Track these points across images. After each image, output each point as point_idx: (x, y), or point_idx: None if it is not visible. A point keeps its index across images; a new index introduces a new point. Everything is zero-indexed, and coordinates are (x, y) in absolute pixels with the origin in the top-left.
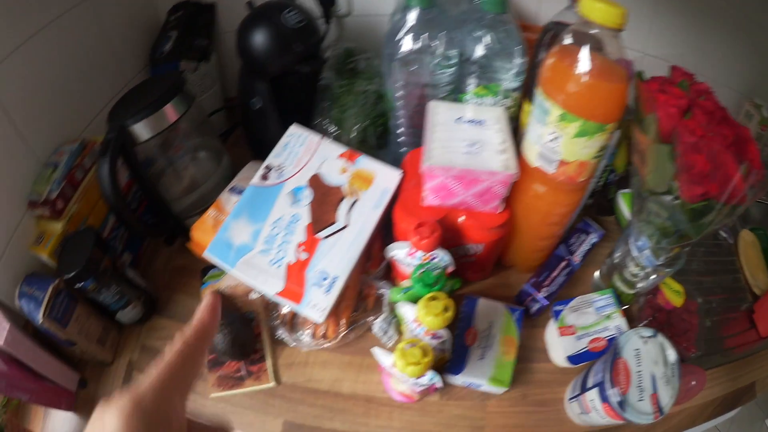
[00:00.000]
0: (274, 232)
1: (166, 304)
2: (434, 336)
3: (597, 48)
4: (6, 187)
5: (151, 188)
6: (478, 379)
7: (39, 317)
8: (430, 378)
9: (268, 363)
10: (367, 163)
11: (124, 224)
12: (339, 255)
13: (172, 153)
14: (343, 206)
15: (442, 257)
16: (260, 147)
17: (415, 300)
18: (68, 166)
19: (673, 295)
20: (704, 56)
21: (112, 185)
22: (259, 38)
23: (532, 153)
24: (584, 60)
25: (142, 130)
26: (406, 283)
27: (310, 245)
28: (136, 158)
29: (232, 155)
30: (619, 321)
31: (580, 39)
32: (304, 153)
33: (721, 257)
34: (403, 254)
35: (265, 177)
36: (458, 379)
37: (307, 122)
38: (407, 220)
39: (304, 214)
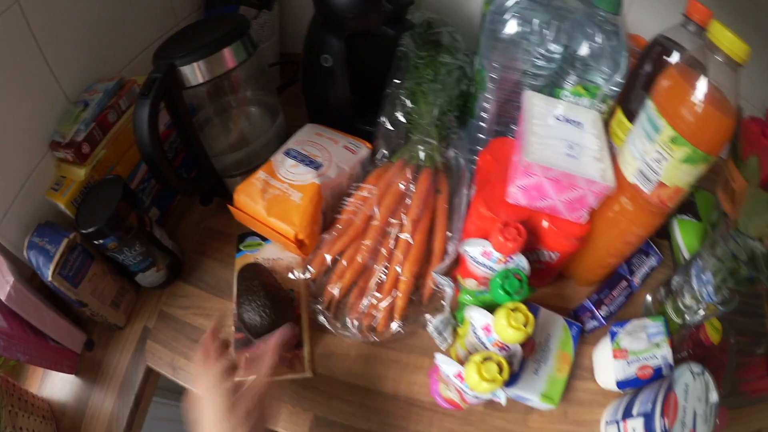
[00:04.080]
0: None
1: (193, 269)
2: (502, 348)
3: (713, 78)
4: (26, 122)
5: (194, 139)
6: (529, 393)
7: (48, 274)
8: (494, 393)
9: (305, 351)
10: None
11: (157, 177)
12: None
13: (222, 103)
14: None
15: (519, 262)
16: (320, 109)
17: (487, 305)
18: (101, 106)
19: (714, 332)
20: None
21: (150, 131)
22: None
23: (631, 168)
24: (704, 87)
25: (193, 72)
26: (471, 284)
27: None
28: (182, 103)
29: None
30: (666, 350)
31: (699, 65)
32: None
33: (752, 299)
34: (478, 252)
35: None
36: (509, 392)
37: (379, 90)
38: (489, 216)
39: None
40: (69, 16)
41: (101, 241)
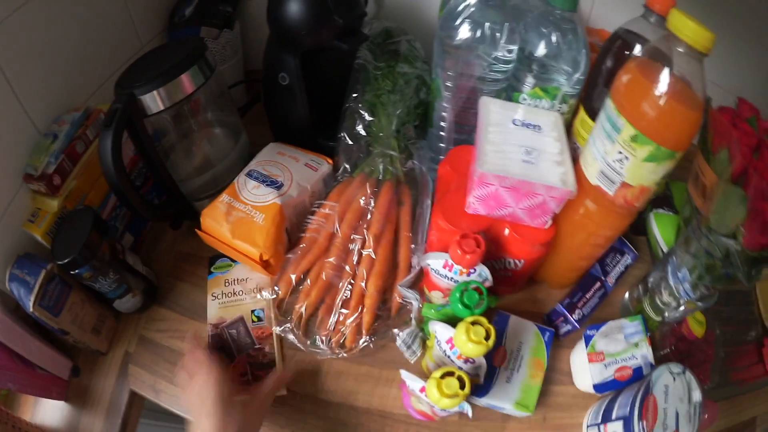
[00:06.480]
0: None
1: (168, 293)
2: (467, 360)
3: (677, 69)
4: (0, 157)
5: (159, 166)
6: (503, 402)
7: (30, 305)
8: (460, 406)
9: (278, 369)
10: None
11: (126, 205)
12: None
13: (184, 127)
14: None
15: (481, 272)
16: (283, 127)
17: (449, 319)
18: (69, 137)
19: (697, 325)
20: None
21: (114, 161)
22: (295, 6)
23: (593, 170)
24: (666, 81)
25: (153, 100)
26: (436, 296)
27: None
28: (145, 132)
29: (248, 134)
30: (645, 350)
31: (661, 56)
32: None
33: (739, 287)
34: (439, 265)
35: None
36: (482, 401)
37: (338, 104)
38: (448, 229)
39: None
40: (35, 47)
41: (76, 271)
